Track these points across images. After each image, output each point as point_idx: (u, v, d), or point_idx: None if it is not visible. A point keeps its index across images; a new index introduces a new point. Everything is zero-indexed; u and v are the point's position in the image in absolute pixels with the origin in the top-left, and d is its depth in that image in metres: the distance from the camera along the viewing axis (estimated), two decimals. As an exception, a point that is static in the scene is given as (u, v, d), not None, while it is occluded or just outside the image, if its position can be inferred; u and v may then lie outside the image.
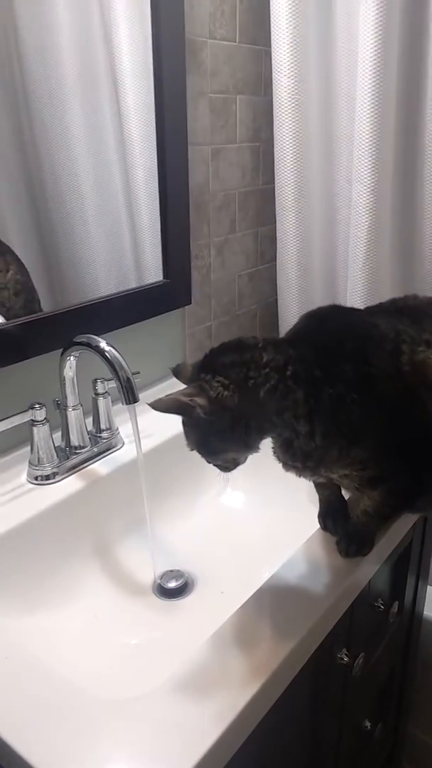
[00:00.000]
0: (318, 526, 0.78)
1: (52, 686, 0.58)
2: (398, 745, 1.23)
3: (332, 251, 1.30)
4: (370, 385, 0.60)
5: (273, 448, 0.66)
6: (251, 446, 0.64)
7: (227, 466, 0.68)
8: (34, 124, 0.86)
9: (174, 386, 1.15)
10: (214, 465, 0.68)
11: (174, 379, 1.17)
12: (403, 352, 0.62)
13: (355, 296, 1.20)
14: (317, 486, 0.77)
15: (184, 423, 0.65)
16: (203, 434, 0.63)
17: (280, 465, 0.67)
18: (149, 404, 0.61)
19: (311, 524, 0.78)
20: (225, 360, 0.61)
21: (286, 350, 0.61)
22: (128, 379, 0.79)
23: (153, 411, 0.62)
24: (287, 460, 0.65)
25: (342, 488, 0.76)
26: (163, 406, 0.61)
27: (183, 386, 0.65)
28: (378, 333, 0.64)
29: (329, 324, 0.67)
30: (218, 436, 0.62)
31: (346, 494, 0.77)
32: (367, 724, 0.98)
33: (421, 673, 1.22)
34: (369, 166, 1.11)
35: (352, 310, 0.72)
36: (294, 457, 0.64)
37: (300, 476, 0.67)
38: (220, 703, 0.54)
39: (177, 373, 0.68)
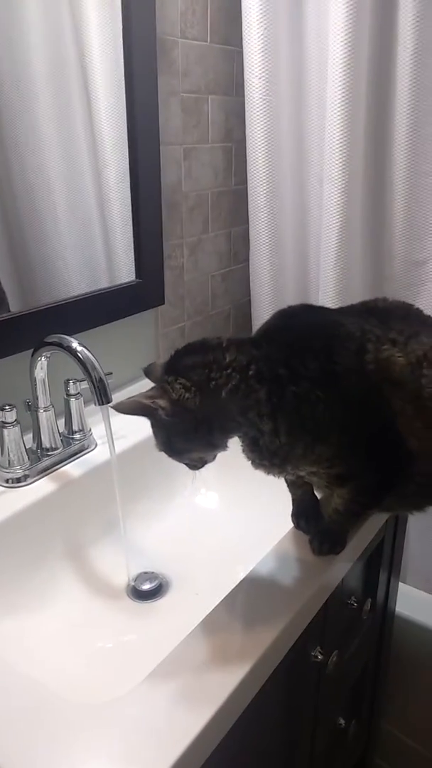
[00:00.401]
0: (291, 525, 0.78)
1: (26, 691, 0.57)
2: (372, 741, 1.24)
3: (304, 251, 1.31)
4: (335, 383, 0.61)
5: (242, 446, 0.67)
6: (217, 446, 0.65)
7: (195, 465, 0.69)
8: (2, 123, 0.85)
9: (147, 386, 1.15)
10: (183, 463, 0.69)
11: (145, 381, 1.17)
12: (368, 350, 0.63)
13: (327, 295, 1.21)
14: (290, 485, 0.78)
15: (152, 423, 0.66)
16: (168, 434, 0.64)
17: (250, 464, 0.68)
18: (112, 407, 0.63)
19: (285, 523, 0.79)
20: (188, 362, 0.62)
21: (249, 350, 0.62)
22: (101, 379, 0.78)
23: None
24: (255, 459, 0.66)
25: (314, 487, 0.77)
26: (125, 408, 0.62)
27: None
28: (344, 332, 0.65)
29: (297, 322, 0.68)
30: (182, 437, 0.64)
31: (318, 494, 0.78)
32: (341, 721, 0.99)
33: (393, 669, 1.24)
34: (339, 167, 1.12)
35: (322, 309, 0.72)
36: (261, 456, 0.65)
37: (269, 474, 0.67)
38: (195, 705, 0.54)
39: (148, 373, 0.68)
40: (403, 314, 0.72)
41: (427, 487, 0.70)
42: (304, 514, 0.77)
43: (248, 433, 0.64)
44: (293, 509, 0.79)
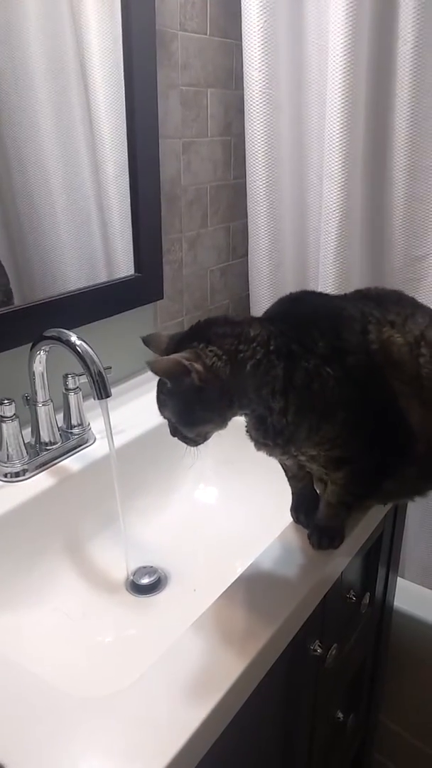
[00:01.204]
0: (290, 519, 0.78)
1: (25, 686, 0.57)
2: (369, 735, 1.24)
3: (303, 246, 1.31)
4: (342, 359, 0.62)
5: (246, 427, 0.67)
6: (226, 420, 0.64)
7: (197, 440, 0.67)
8: (2, 117, 0.84)
9: (146, 382, 1.14)
10: (183, 439, 0.67)
11: (147, 375, 1.17)
12: (369, 331, 0.64)
13: (326, 289, 1.21)
14: (290, 479, 0.78)
15: (162, 391, 0.64)
16: (187, 403, 0.62)
17: (252, 445, 0.67)
18: (147, 362, 0.60)
19: (284, 518, 0.78)
20: (218, 330, 0.61)
21: (268, 326, 0.62)
22: (100, 373, 0.78)
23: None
24: (258, 438, 0.66)
25: (313, 479, 0.77)
26: (160, 365, 0.60)
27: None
28: (347, 314, 0.65)
29: (302, 305, 0.68)
30: (204, 405, 0.62)
31: (317, 487, 0.78)
32: (339, 715, 0.99)
33: (391, 663, 1.24)
34: (339, 161, 1.11)
35: (321, 294, 0.74)
36: (265, 435, 0.64)
37: (270, 455, 0.67)
38: (194, 699, 0.54)
39: (148, 342, 0.67)
40: (396, 299, 0.73)
41: (427, 469, 0.71)
42: (304, 508, 0.77)
43: (256, 411, 0.63)
44: (293, 503, 0.79)
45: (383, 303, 0.69)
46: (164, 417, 0.66)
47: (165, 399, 0.64)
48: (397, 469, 0.70)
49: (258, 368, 0.60)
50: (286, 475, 0.77)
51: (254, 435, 0.66)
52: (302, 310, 0.67)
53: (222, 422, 0.64)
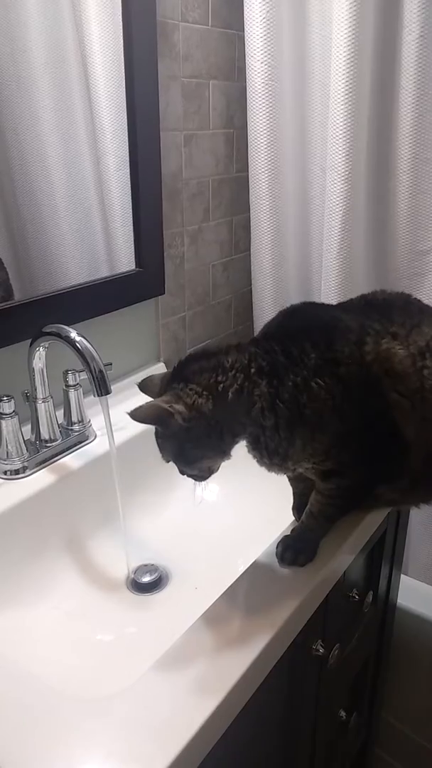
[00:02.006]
0: (293, 517, 0.77)
1: (24, 686, 0.56)
2: (372, 733, 1.24)
3: (306, 240, 1.29)
4: (334, 370, 0.62)
5: (246, 446, 0.67)
6: (226, 451, 0.65)
7: (203, 475, 0.69)
8: (2, 110, 0.83)
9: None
10: (191, 476, 0.69)
11: (147, 371, 1.16)
12: (366, 342, 0.64)
13: (329, 285, 1.20)
14: (292, 479, 0.77)
15: (158, 436, 0.66)
16: (180, 443, 0.64)
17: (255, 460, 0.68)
18: (128, 413, 0.62)
19: (285, 516, 0.78)
20: (194, 367, 0.63)
21: (248, 349, 0.64)
22: (100, 370, 0.77)
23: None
24: (257, 457, 0.66)
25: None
26: (141, 414, 0.61)
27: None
28: (343, 325, 0.65)
29: (298, 316, 0.69)
30: (195, 443, 0.64)
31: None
32: (342, 714, 0.98)
33: (393, 661, 1.23)
34: (343, 155, 1.10)
35: (323, 305, 0.74)
36: (262, 454, 0.65)
37: (270, 471, 0.68)
38: (196, 699, 0.54)
39: (144, 387, 0.69)
40: (403, 305, 0.72)
41: (422, 481, 0.70)
42: (305, 507, 0.76)
43: (252, 433, 0.64)
44: (294, 502, 0.78)
45: (388, 312, 0.68)
46: (166, 461, 0.67)
47: (162, 443, 0.66)
48: (387, 480, 0.69)
49: (241, 393, 0.61)
50: (288, 476, 0.77)
51: (253, 455, 0.67)
52: (297, 323, 0.67)
53: (220, 454, 0.66)
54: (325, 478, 0.68)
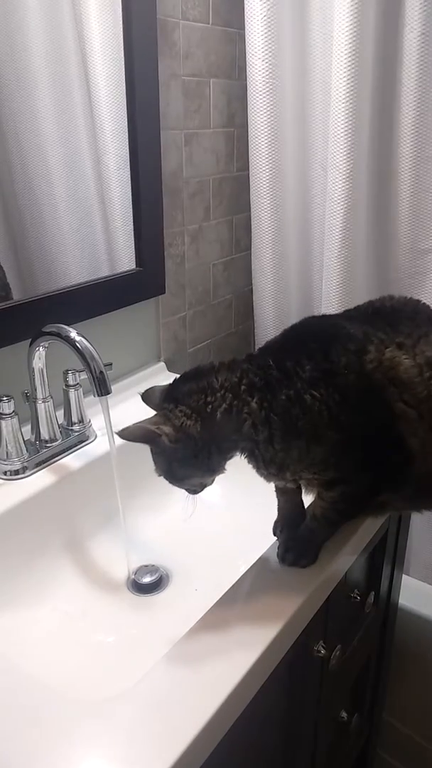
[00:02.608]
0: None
1: (23, 687, 0.56)
2: (373, 734, 1.24)
3: (307, 239, 1.29)
4: (330, 381, 0.61)
5: (244, 458, 0.67)
6: (215, 469, 0.66)
7: (195, 490, 0.70)
8: (1, 109, 0.83)
9: (148, 378, 1.13)
10: (185, 489, 0.70)
11: (148, 371, 1.16)
12: (368, 351, 0.63)
13: (330, 285, 1.20)
14: (277, 491, 0.76)
15: (152, 451, 0.67)
16: (168, 461, 0.65)
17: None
18: (117, 433, 0.64)
19: (288, 517, 0.77)
20: (184, 389, 0.64)
21: (240, 366, 0.64)
22: (100, 370, 0.77)
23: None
24: (254, 467, 0.66)
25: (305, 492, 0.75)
26: (130, 434, 0.63)
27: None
28: (345, 333, 0.65)
29: (298, 330, 0.69)
30: (182, 463, 0.65)
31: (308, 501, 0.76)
32: (344, 715, 0.98)
33: (395, 661, 1.23)
34: (344, 152, 1.10)
35: (326, 316, 0.74)
36: (258, 465, 0.65)
37: (269, 482, 0.68)
38: (196, 702, 0.53)
39: (146, 398, 0.69)
40: (411, 313, 0.71)
41: (425, 489, 0.69)
42: (282, 523, 0.76)
43: (245, 447, 0.64)
44: (277, 516, 0.77)
45: (395, 321, 0.67)
46: (158, 474, 0.68)
47: (154, 457, 0.67)
48: (391, 488, 0.68)
49: (230, 413, 0.62)
50: (276, 488, 0.76)
51: (251, 465, 0.66)
52: (296, 335, 0.67)
53: (209, 473, 0.67)
54: (328, 487, 0.67)
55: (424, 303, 0.75)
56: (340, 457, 0.64)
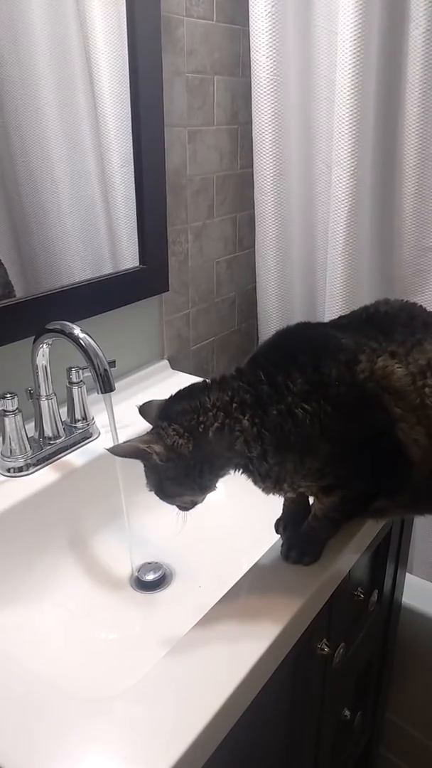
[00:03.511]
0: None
1: (27, 684, 0.56)
2: (376, 732, 1.23)
3: (311, 237, 1.29)
4: (322, 394, 0.61)
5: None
6: (207, 488, 0.66)
7: (185, 507, 0.70)
8: (5, 106, 0.83)
9: (151, 375, 1.13)
10: (178, 508, 0.70)
11: (151, 369, 1.16)
12: (360, 361, 0.63)
13: (335, 283, 1.19)
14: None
15: (144, 466, 0.67)
16: (159, 479, 0.66)
17: None
18: (107, 449, 0.65)
19: (291, 514, 0.77)
20: (178, 408, 0.64)
21: (230, 384, 0.64)
22: (105, 368, 0.77)
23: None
24: (251, 479, 0.66)
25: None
26: (121, 452, 0.64)
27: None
28: (335, 344, 0.64)
29: (289, 340, 0.68)
30: (173, 481, 0.65)
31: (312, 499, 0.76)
32: (346, 713, 0.98)
33: (398, 660, 1.23)
34: (348, 150, 1.09)
35: (319, 325, 0.73)
36: (255, 479, 0.65)
37: (268, 494, 0.67)
38: (199, 700, 0.53)
39: (143, 411, 0.70)
40: (406, 319, 0.70)
41: (424, 495, 0.69)
42: (286, 520, 0.76)
43: (239, 464, 0.65)
44: (281, 514, 0.77)
45: (389, 329, 0.67)
46: (148, 489, 0.68)
47: (146, 473, 0.67)
48: (389, 494, 0.68)
49: (222, 431, 0.62)
50: None
51: (248, 478, 0.66)
52: (287, 346, 0.67)
53: (199, 491, 0.67)
54: (327, 492, 0.67)
55: (420, 306, 0.74)
56: (336, 467, 0.64)
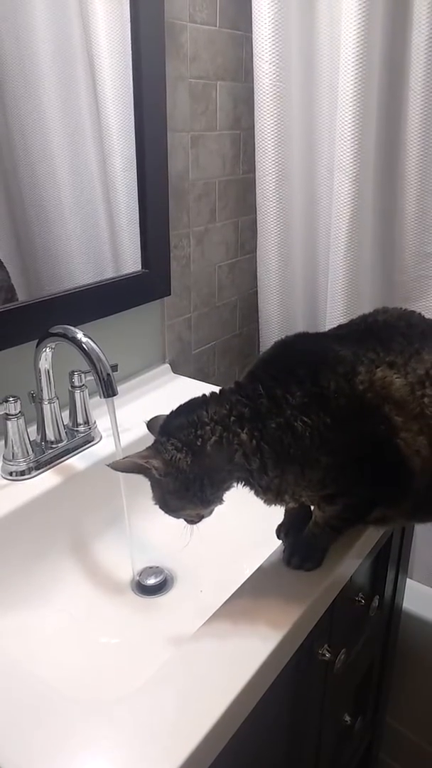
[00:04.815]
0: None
1: (28, 688, 0.56)
2: (376, 737, 1.23)
3: (313, 242, 1.29)
4: (322, 406, 0.61)
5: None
6: (210, 501, 0.66)
7: (192, 520, 0.70)
8: (8, 110, 0.83)
9: (153, 379, 1.13)
10: (186, 521, 0.70)
11: (153, 373, 1.16)
12: (358, 372, 0.63)
13: (336, 288, 1.20)
14: None
15: (149, 480, 0.67)
16: (162, 493, 0.66)
17: None
18: (108, 465, 0.66)
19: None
20: (176, 423, 0.65)
21: (228, 398, 0.64)
22: (107, 372, 0.77)
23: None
24: (252, 491, 0.66)
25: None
26: (122, 467, 0.65)
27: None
28: (333, 356, 0.64)
29: (288, 352, 0.68)
30: (174, 495, 0.65)
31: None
32: (347, 718, 0.98)
33: (398, 665, 1.22)
34: (351, 155, 1.10)
35: (317, 336, 0.73)
36: (256, 491, 0.66)
37: (270, 506, 0.68)
38: (202, 706, 0.53)
39: (150, 427, 0.70)
40: (404, 328, 0.70)
41: (424, 503, 0.69)
42: (287, 526, 0.76)
43: (240, 477, 0.65)
44: (283, 520, 0.77)
45: (387, 338, 0.67)
46: (154, 503, 0.69)
47: (152, 487, 0.68)
48: (389, 503, 0.69)
49: (220, 444, 0.62)
50: None
51: (250, 491, 0.66)
52: (285, 359, 0.67)
53: (202, 505, 0.66)
54: (329, 501, 0.67)
55: (419, 314, 0.74)
56: (337, 477, 0.64)
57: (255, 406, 0.62)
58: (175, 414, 0.67)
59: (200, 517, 0.70)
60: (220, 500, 0.67)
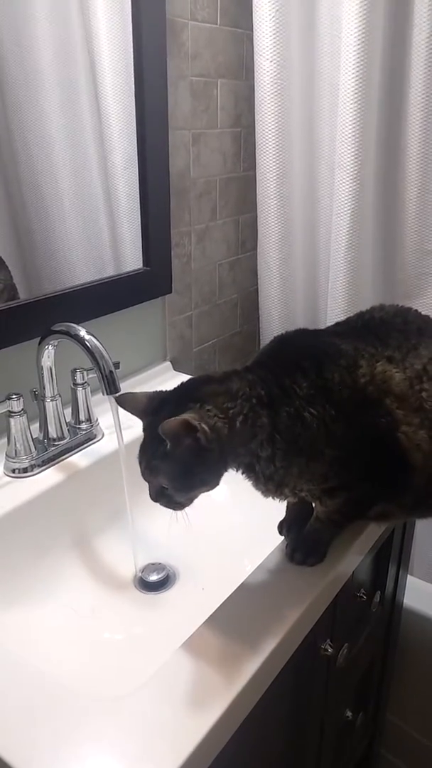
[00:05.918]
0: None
1: (32, 685, 0.56)
2: (378, 733, 1.24)
3: (314, 240, 1.29)
4: (327, 398, 0.61)
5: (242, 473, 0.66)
6: (219, 480, 0.64)
7: (185, 504, 0.67)
8: (8, 108, 0.83)
9: (155, 377, 1.13)
10: (168, 504, 0.66)
11: (155, 370, 1.16)
12: (360, 365, 0.63)
13: (337, 286, 1.20)
14: None
15: (154, 456, 0.62)
16: (186, 466, 0.61)
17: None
18: (159, 427, 0.57)
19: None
20: (208, 390, 0.61)
21: (247, 377, 0.63)
22: (110, 369, 0.77)
23: None
24: (252, 481, 0.66)
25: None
26: (171, 427, 0.57)
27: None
28: (335, 350, 0.65)
29: (290, 345, 0.68)
30: (203, 467, 0.61)
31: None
32: (348, 713, 0.98)
33: (399, 661, 1.23)
34: (352, 153, 1.10)
35: (316, 332, 0.73)
36: (257, 481, 0.65)
37: (267, 497, 0.67)
38: (206, 700, 0.53)
39: (123, 402, 0.67)
40: (401, 325, 0.70)
41: (425, 498, 0.69)
42: (289, 522, 0.76)
43: (243, 461, 0.63)
44: (285, 515, 0.77)
45: (384, 334, 0.67)
46: (153, 484, 0.65)
47: (158, 464, 0.62)
48: (390, 497, 0.69)
49: (246, 423, 0.60)
50: None
51: (249, 479, 0.66)
52: (288, 352, 0.67)
53: (216, 483, 0.64)
54: (330, 495, 0.67)
55: (415, 311, 0.74)
56: (340, 470, 0.64)
57: (269, 391, 0.61)
58: (200, 382, 0.63)
59: (191, 502, 0.66)
60: (218, 484, 0.64)
